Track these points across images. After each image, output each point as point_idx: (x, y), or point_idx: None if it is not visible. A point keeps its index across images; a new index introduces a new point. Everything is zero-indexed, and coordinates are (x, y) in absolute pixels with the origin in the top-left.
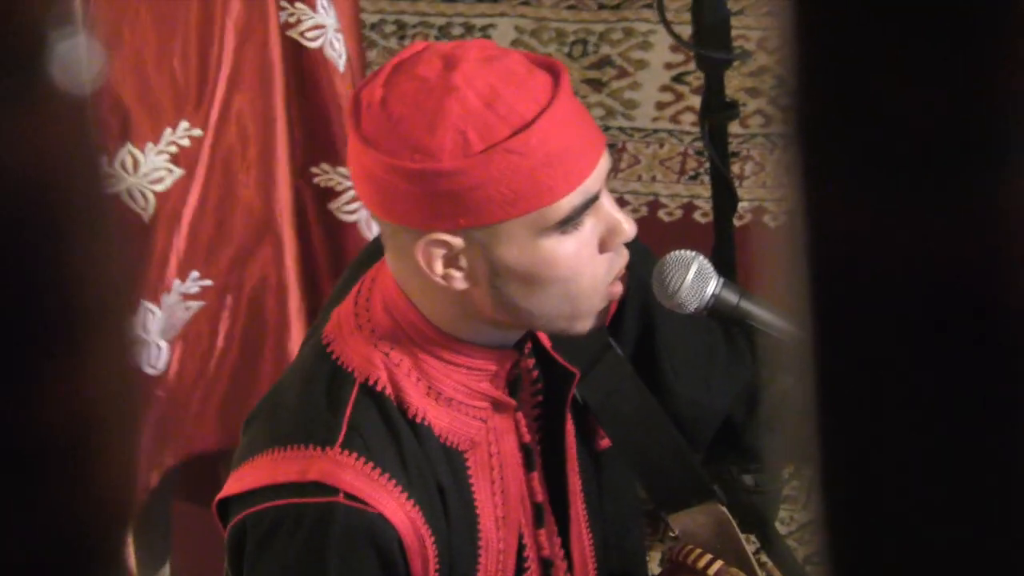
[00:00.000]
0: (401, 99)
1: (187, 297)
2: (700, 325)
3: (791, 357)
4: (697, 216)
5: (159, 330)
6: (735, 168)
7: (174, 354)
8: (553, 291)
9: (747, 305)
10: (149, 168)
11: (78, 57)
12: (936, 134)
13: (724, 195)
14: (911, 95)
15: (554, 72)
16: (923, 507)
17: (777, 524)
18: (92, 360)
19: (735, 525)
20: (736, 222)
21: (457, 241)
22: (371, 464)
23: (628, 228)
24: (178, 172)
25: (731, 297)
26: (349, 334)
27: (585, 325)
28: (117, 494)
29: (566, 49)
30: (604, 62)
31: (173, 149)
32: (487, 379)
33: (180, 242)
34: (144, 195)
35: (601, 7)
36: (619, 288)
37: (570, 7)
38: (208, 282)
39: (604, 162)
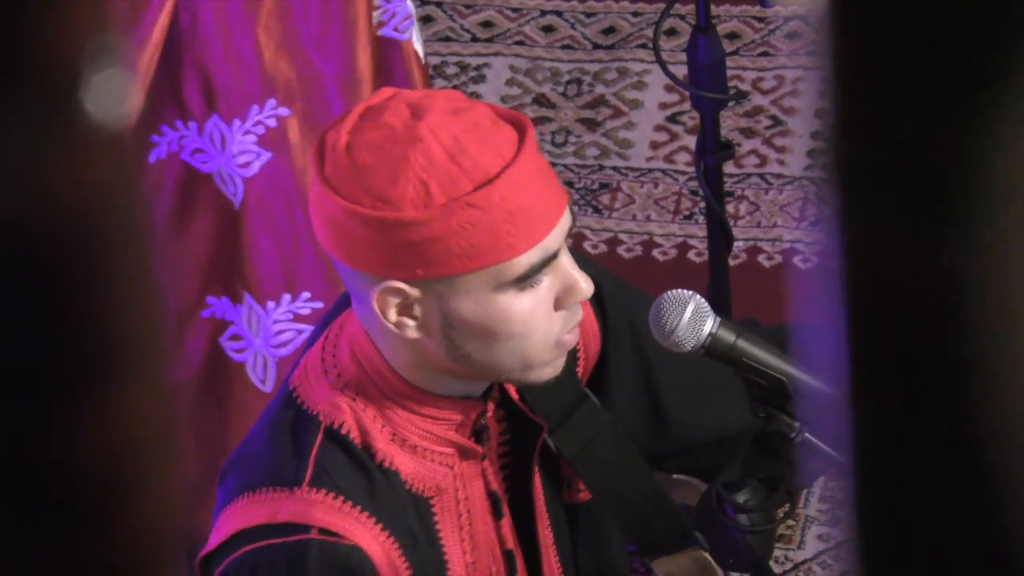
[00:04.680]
0: (366, 146)
1: (298, 319)
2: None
3: (820, 397)
4: (692, 256)
5: (265, 339)
6: (730, 208)
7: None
8: (505, 346)
9: (744, 344)
10: (237, 149)
11: (115, 90)
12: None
13: (719, 235)
14: (951, 137)
15: (520, 127)
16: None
17: (772, 563)
18: (128, 394)
19: (718, 570)
20: (731, 262)
21: (413, 291)
22: (341, 498)
23: (585, 287)
24: (266, 156)
25: (728, 336)
26: (315, 380)
27: (540, 375)
28: (158, 529)
29: (560, 88)
30: (599, 102)
31: (260, 130)
32: (452, 428)
33: (284, 251)
34: (233, 179)
35: (596, 47)
36: (572, 337)
37: (565, 47)
38: (319, 304)
39: (565, 220)
